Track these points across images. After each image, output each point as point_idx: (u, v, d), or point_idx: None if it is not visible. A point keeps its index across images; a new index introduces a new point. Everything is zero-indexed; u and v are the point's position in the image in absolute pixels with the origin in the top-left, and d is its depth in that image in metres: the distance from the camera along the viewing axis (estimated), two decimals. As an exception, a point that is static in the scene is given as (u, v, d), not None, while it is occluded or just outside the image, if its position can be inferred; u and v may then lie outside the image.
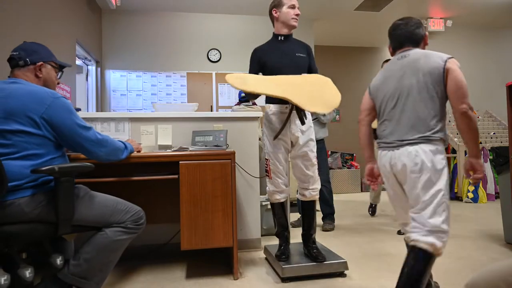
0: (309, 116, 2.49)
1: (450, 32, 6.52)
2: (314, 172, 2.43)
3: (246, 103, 4.88)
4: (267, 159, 2.45)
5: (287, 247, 2.46)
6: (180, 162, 2.20)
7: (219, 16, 5.82)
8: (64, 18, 3.93)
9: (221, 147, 2.43)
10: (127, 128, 2.70)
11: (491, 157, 5.13)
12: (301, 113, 2.29)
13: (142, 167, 2.37)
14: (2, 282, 1.40)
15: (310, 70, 2.49)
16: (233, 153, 2.27)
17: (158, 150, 2.66)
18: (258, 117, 2.94)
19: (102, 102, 5.41)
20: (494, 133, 6.34)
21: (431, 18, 6.21)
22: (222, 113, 2.93)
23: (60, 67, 1.82)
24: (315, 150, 2.45)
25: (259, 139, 4.53)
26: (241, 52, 5.83)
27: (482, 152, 5.39)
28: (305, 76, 2.34)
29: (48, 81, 1.74)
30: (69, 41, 4.07)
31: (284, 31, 2.46)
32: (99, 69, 5.36)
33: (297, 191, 3.52)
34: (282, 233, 2.52)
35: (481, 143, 5.81)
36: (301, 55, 2.45)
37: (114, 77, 5.51)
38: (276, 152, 2.41)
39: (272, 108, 2.43)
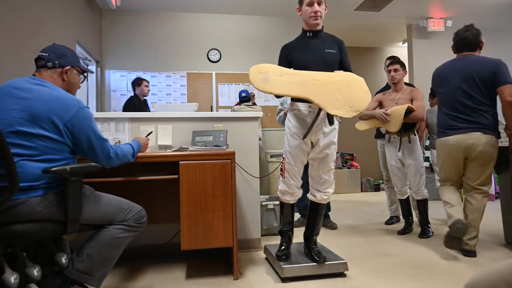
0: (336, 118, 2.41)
1: (450, 32, 6.50)
2: (330, 176, 2.37)
3: (247, 103, 4.90)
4: (283, 158, 2.40)
5: (288, 247, 2.43)
6: (180, 162, 2.20)
7: (219, 16, 5.82)
8: (64, 18, 3.93)
9: (221, 147, 2.43)
10: (127, 128, 2.70)
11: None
12: (330, 114, 2.20)
13: (142, 167, 2.37)
14: (12, 281, 1.42)
15: (342, 66, 2.37)
16: (233, 153, 2.27)
17: (158, 150, 2.66)
18: (258, 117, 2.94)
19: (102, 102, 5.41)
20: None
21: (431, 18, 6.20)
22: (222, 113, 2.93)
23: (83, 72, 1.85)
24: (335, 154, 2.38)
25: (259, 139, 4.54)
26: (241, 52, 5.83)
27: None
28: (335, 74, 2.22)
29: (72, 85, 1.79)
30: (69, 41, 4.07)
31: (309, 28, 2.36)
32: (99, 69, 5.36)
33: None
34: (286, 232, 2.48)
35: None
36: (331, 51, 2.32)
37: (114, 77, 5.51)
38: (294, 153, 2.34)
39: (296, 106, 2.34)
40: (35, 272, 1.51)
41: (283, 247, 2.41)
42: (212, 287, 2.18)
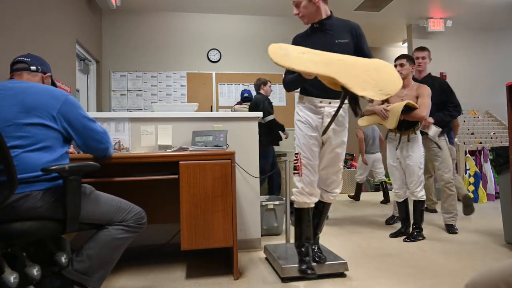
0: (346, 116, 2.22)
1: (450, 32, 6.52)
2: (338, 176, 2.28)
3: (248, 103, 4.90)
4: (297, 153, 2.16)
5: (310, 261, 2.16)
6: (180, 162, 2.20)
7: (219, 16, 5.82)
8: (64, 18, 3.93)
9: (221, 147, 2.43)
10: (127, 128, 2.70)
11: (491, 157, 5.13)
12: (354, 103, 1.94)
13: (142, 167, 2.37)
14: (12, 280, 1.42)
15: (360, 53, 2.12)
16: (233, 153, 2.27)
17: (158, 150, 2.66)
18: (258, 117, 2.94)
19: (102, 102, 5.41)
20: (494, 133, 6.34)
21: (431, 18, 6.21)
22: (222, 113, 2.94)
23: (53, 83, 1.94)
24: (344, 153, 2.27)
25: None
26: (241, 52, 5.84)
27: (482, 152, 5.39)
28: (360, 57, 2.02)
29: None
30: (69, 41, 4.07)
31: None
32: (99, 69, 5.36)
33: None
34: (305, 245, 2.19)
35: (480, 143, 5.81)
36: (342, 41, 2.09)
37: (114, 77, 5.52)
38: (310, 146, 2.12)
39: (306, 99, 2.16)
40: (35, 271, 1.51)
41: (305, 264, 2.13)
42: (212, 287, 2.18)
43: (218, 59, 5.81)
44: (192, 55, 5.75)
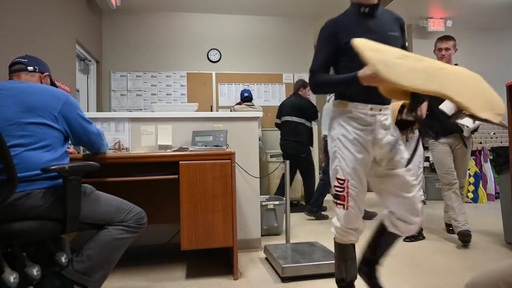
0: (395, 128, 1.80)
1: (450, 32, 6.49)
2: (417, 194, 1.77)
3: (248, 103, 4.91)
4: (343, 180, 1.65)
5: None
6: (180, 162, 2.20)
7: (219, 16, 5.82)
8: (64, 18, 3.93)
9: (221, 147, 2.43)
10: (127, 128, 2.70)
11: (491, 157, 5.13)
12: (423, 124, 1.57)
13: (142, 167, 2.37)
14: (12, 280, 1.42)
15: None
16: (233, 153, 2.27)
17: (158, 150, 2.66)
18: (258, 117, 2.94)
19: (102, 102, 5.41)
20: (494, 133, 6.34)
21: (431, 18, 6.21)
22: (222, 113, 2.94)
23: (52, 82, 1.95)
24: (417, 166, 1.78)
25: (259, 139, 4.55)
26: (241, 52, 5.83)
27: (482, 152, 5.39)
28: (447, 64, 1.56)
29: None
30: (69, 41, 4.07)
31: (362, 1, 1.66)
32: (99, 69, 5.36)
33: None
34: (351, 285, 1.82)
35: (480, 143, 5.81)
36: (394, 33, 1.67)
37: (114, 77, 5.52)
38: (360, 172, 1.65)
39: (350, 108, 1.66)
40: (35, 271, 1.51)
41: None
42: (212, 287, 2.18)
43: (218, 59, 5.81)
44: (192, 55, 5.74)
